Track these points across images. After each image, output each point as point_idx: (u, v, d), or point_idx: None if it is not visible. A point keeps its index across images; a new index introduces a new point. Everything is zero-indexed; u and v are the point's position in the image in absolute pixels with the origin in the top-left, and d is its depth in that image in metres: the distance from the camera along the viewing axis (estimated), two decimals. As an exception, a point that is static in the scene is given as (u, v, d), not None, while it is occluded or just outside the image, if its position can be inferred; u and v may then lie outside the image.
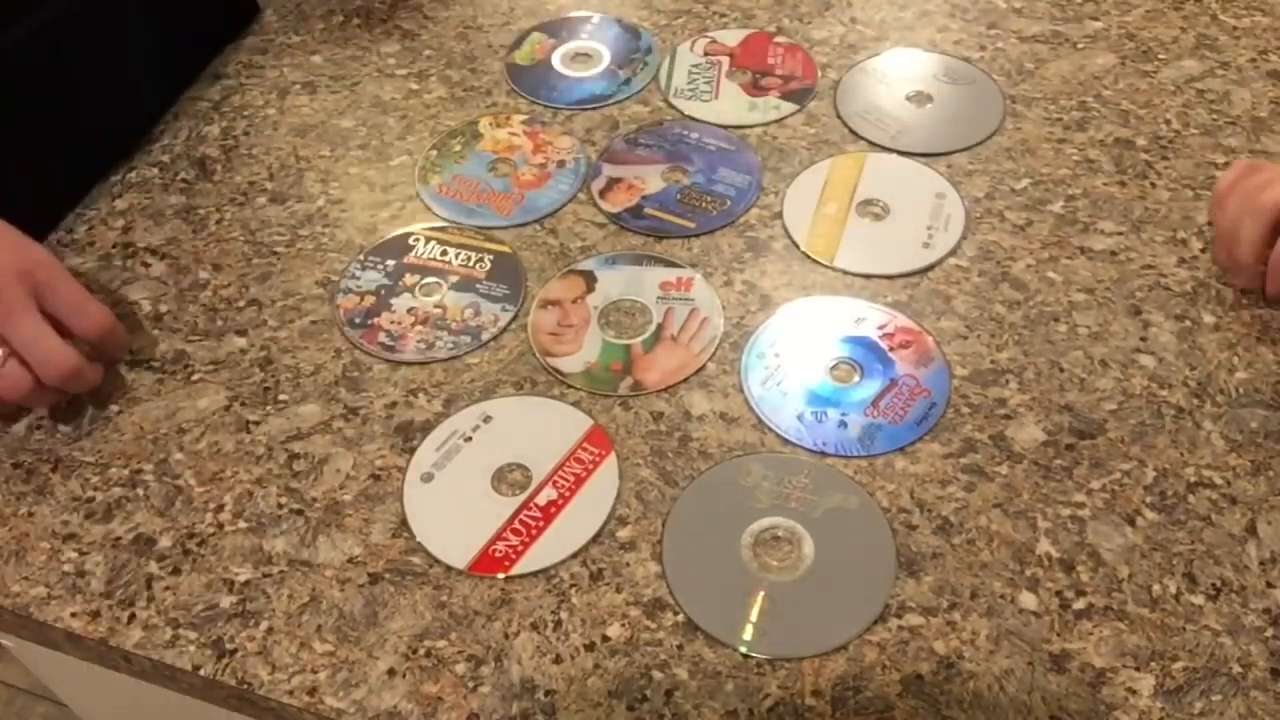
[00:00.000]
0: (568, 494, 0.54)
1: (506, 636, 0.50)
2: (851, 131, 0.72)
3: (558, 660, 0.49)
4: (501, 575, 0.51)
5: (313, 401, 0.59)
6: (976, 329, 0.60)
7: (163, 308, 0.64)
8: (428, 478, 0.55)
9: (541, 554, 0.52)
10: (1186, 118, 0.71)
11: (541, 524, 0.53)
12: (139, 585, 0.52)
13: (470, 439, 0.57)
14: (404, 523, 0.54)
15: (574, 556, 0.52)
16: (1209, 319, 0.60)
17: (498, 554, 0.52)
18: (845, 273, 0.63)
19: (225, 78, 0.79)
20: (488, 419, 0.57)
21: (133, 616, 0.51)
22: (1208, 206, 0.62)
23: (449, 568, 0.52)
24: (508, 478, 0.55)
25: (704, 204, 0.67)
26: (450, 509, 0.54)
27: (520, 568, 0.51)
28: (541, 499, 0.54)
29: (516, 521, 0.53)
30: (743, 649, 0.48)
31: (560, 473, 0.55)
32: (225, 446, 0.58)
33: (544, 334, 0.61)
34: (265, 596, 0.52)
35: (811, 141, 0.71)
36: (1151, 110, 0.72)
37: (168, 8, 0.75)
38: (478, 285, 0.64)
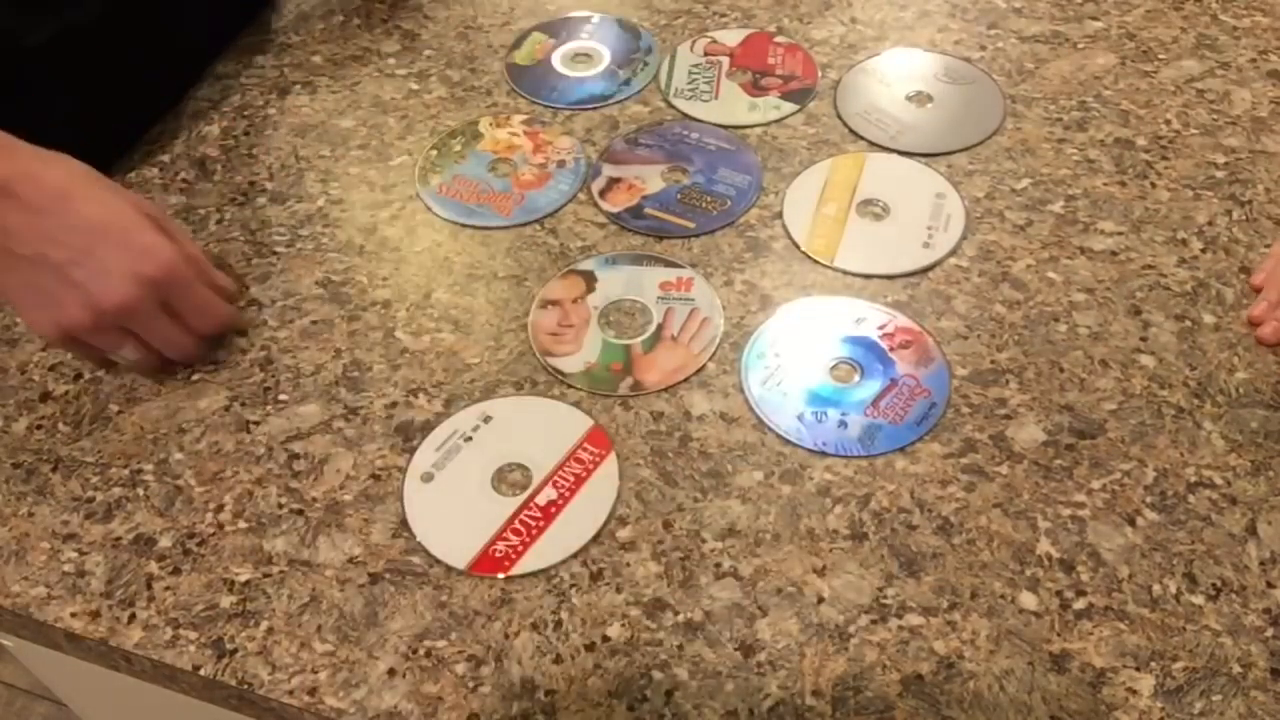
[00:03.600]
0: (568, 494, 0.54)
1: (506, 636, 0.50)
2: (851, 131, 0.72)
3: (558, 660, 0.49)
4: (501, 575, 0.51)
5: (313, 401, 0.59)
6: (976, 329, 0.60)
7: (163, 308, 0.64)
8: (428, 478, 0.55)
9: (541, 554, 0.52)
10: (1186, 118, 0.71)
11: (541, 524, 0.53)
12: (139, 585, 0.52)
13: (470, 439, 0.57)
14: (404, 523, 0.54)
15: (574, 557, 0.52)
16: (1209, 319, 0.60)
17: (498, 554, 0.52)
18: (845, 273, 0.63)
19: (225, 78, 0.79)
20: (488, 419, 0.57)
21: (133, 616, 0.51)
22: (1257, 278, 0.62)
23: (449, 568, 0.52)
24: (507, 478, 0.55)
25: (704, 204, 0.67)
26: (450, 509, 0.54)
27: (520, 568, 0.51)
28: (541, 499, 0.54)
29: (516, 522, 0.53)
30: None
31: (560, 473, 0.55)
32: (225, 446, 0.58)
33: (544, 334, 0.61)
34: (265, 596, 0.52)
35: (811, 141, 0.71)
36: (1151, 110, 0.72)
37: None
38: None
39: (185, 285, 0.57)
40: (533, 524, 0.53)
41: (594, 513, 0.53)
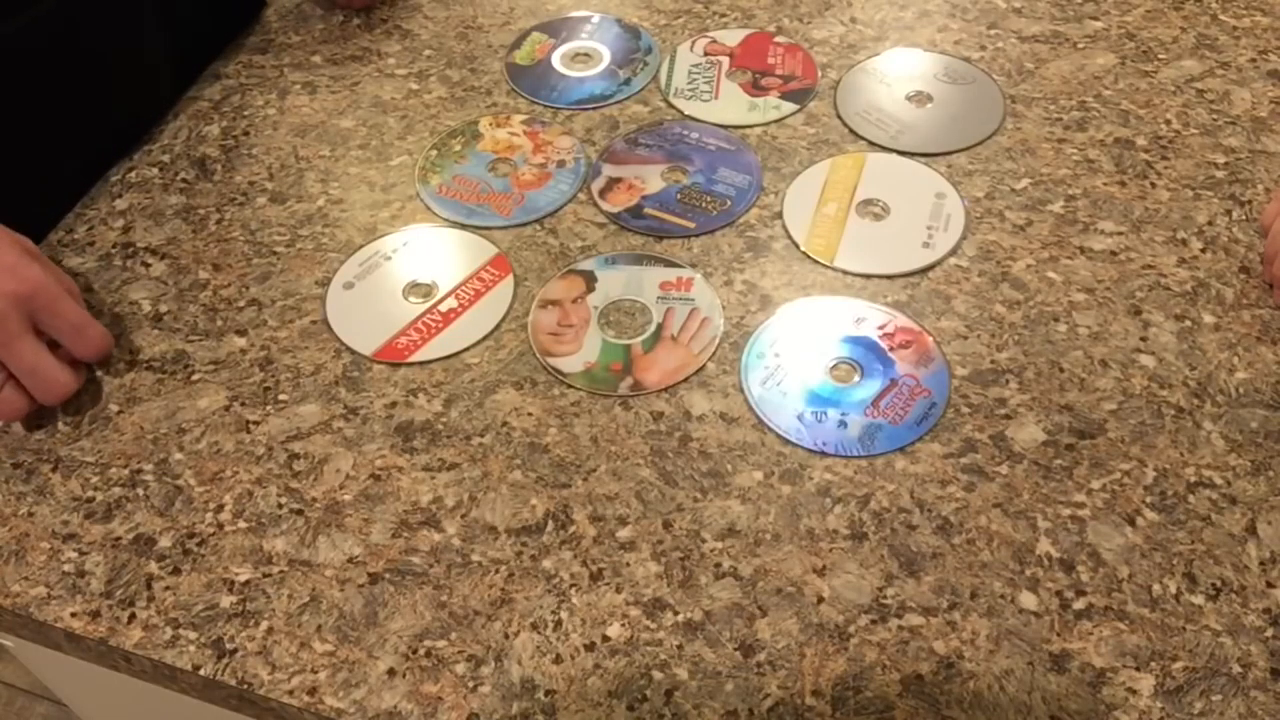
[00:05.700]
0: (467, 304, 0.63)
1: (506, 636, 0.50)
2: (851, 131, 0.72)
3: (558, 660, 0.49)
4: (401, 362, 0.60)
5: (313, 401, 0.59)
6: (976, 329, 0.60)
7: (163, 308, 0.64)
8: (349, 285, 0.64)
9: (436, 349, 0.61)
10: (1186, 118, 0.71)
11: (440, 325, 0.62)
12: (139, 585, 0.52)
13: (389, 258, 0.66)
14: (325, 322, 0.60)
15: (464, 351, 0.60)
16: (1209, 319, 0.60)
17: (400, 346, 0.61)
18: (845, 273, 0.63)
19: (225, 78, 0.79)
20: (405, 244, 0.66)
21: (133, 616, 0.51)
22: (1261, 224, 0.63)
23: (358, 354, 0.61)
24: (416, 289, 0.63)
25: (704, 204, 0.67)
26: (365, 310, 0.63)
27: (418, 357, 0.60)
28: (444, 306, 0.63)
29: (419, 322, 0.62)
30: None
31: (462, 287, 0.63)
32: (225, 446, 0.58)
33: (544, 334, 0.61)
34: (265, 596, 0.52)
35: (811, 141, 0.71)
36: (1151, 110, 0.72)
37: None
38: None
39: (55, 302, 0.54)
40: (433, 325, 0.62)
41: (488, 320, 0.62)
